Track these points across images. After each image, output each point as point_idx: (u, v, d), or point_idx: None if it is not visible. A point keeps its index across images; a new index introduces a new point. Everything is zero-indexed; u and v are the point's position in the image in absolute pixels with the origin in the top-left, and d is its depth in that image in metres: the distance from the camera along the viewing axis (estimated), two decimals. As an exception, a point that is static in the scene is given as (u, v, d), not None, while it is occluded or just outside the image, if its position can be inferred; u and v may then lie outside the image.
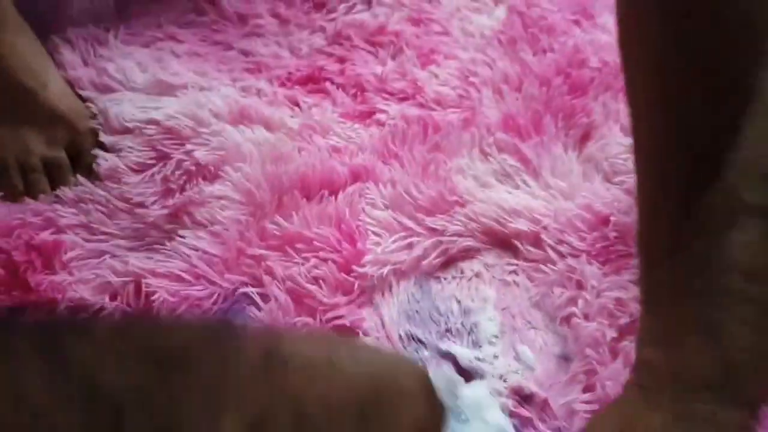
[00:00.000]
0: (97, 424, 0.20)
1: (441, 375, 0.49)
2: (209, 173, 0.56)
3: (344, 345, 0.32)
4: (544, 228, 0.55)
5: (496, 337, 0.51)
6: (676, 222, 0.28)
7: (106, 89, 0.62)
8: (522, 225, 0.55)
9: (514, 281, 0.55)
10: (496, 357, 0.50)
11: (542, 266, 0.54)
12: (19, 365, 0.20)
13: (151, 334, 0.24)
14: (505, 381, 0.48)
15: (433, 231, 0.55)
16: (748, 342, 0.27)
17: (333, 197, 0.55)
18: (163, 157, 0.57)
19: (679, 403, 0.28)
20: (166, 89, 0.62)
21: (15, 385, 0.19)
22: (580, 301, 0.51)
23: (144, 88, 0.63)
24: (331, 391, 0.27)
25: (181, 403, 0.23)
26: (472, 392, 0.48)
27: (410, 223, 0.55)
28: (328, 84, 0.62)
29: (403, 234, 0.55)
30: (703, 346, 0.27)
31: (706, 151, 0.27)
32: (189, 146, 0.57)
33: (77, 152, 0.59)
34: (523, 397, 0.47)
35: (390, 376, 0.30)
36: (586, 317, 0.50)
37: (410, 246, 0.54)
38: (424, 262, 0.54)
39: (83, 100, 0.61)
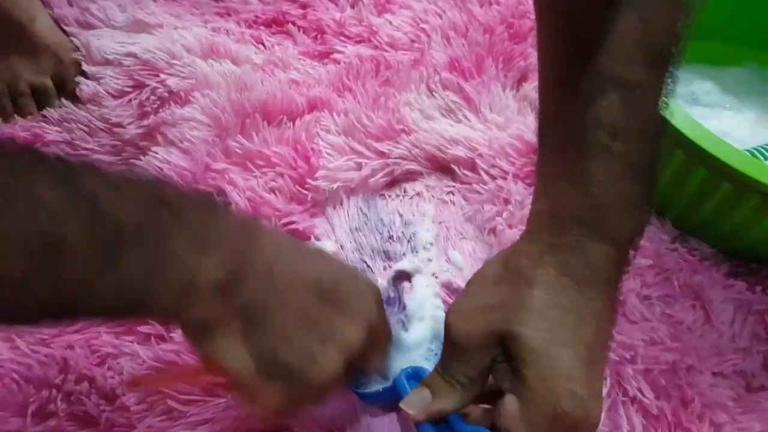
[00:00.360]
0: (100, 237, 0.26)
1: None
2: (180, 99, 0.62)
3: (311, 245, 0.38)
4: (480, 155, 0.62)
5: (431, 244, 0.58)
6: (561, 97, 0.34)
7: (89, 26, 0.68)
8: (460, 152, 0.62)
9: (451, 200, 0.61)
10: (430, 260, 0.56)
11: (476, 186, 0.61)
12: (38, 182, 0.25)
13: (152, 183, 0.30)
14: (437, 277, 0.55)
15: (380, 154, 0.61)
16: (610, 188, 0.32)
17: (291, 123, 0.61)
18: (139, 85, 0.63)
19: (553, 236, 0.33)
20: (143, 27, 0.68)
21: (34, 194, 0.24)
22: (505, 213, 0.58)
23: (123, 26, 0.69)
24: (297, 270, 0.34)
25: (172, 238, 0.28)
26: (413, 296, 0.54)
27: (360, 148, 0.62)
28: (290, 26, 0.68)
29: (353, 156, 0.61)
30: (574, 192, 0.32)
31: (585, 38, 0.33)
32: (163, 76, 0.63)
33: (61, 80, 0.65)
34: (452, 290, 0.54)
35: (349, 277, 0.37)
36: (510, 226, 0.57)
37: (360, 166, 0.61)
38: (371, 180, 0.60)
39: (67, 35, 0.67)
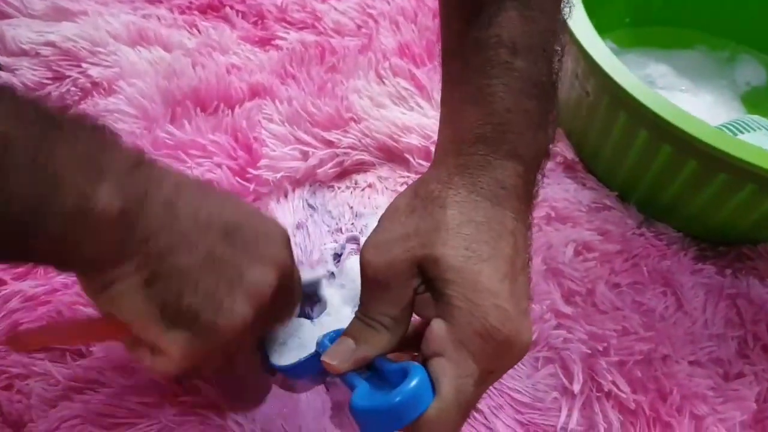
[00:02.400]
0: None
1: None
2: (104, 89, 0.56)
3: (216, 188, 0.35)
4: (434, 143, 0.58)
5: (386, 236, 0.53)
6: (462, 20, 0.33)
7: (3, 15, 0.62)
8: (414, 140, 0.58)
9: (406, 191, 0.57)
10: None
11: (432, 175, 0.57)
12: None
13: (37, 101, 0.26)
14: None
15: (328, 143, 0.57)
16: (511, 104, 0.31)
17: (230, 111, 0.56)
18: (59, 77, 0.57)
19: (460, 157, 0.32)
20: (65, 15, 0.62)
21: None
22: (464, 201, 0.54)
23: (42, 14, 0.62)
24: (201, 208, 0.31)
25: (62, 159, 0.25)
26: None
27: (306, 137, 0.57)
28: (228, 10, 0.64)
29: (299, 146, 0.56)
30: (476, 112, 0.31)
31: None
32: (85, 65, 0.58)
33: (-30, 72, 0.58)
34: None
35: (257, 219, 0.34)
36: (469, 214, 0.53)
37: (305, 156, 0.56)
38: (320, 171, 0.56)
39: (-23, 24, 0.61)
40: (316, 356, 0.38)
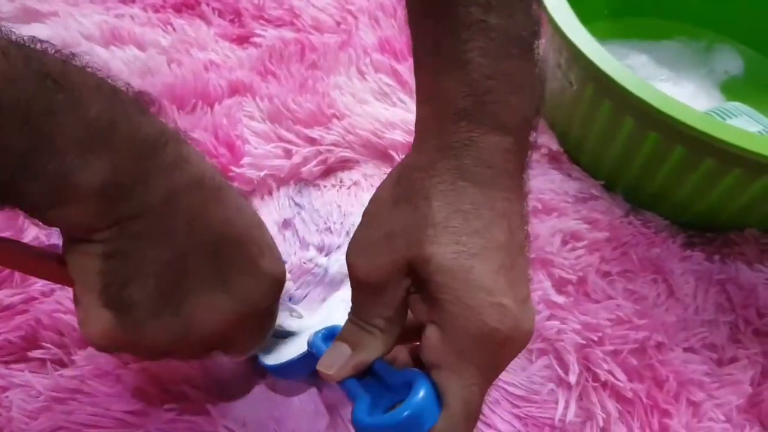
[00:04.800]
0: None
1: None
2: (78, 90, 0.54)
3: (243, 200, 0.32)
4: (419, 137, 0.57)
5: (374, 233, 0.52)
6: None
7: (-32, 18, 0.60)
8: (398, 136, 0.57)
9: (392, 187, 0.56)
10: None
11: (418, 170, 0.56)
12: None
13: (56, 60, 0.24)
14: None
15: (311, 141, 0.56)
16: (492, 69, 0.28)
17: (209, 108, 0.55)
18: (29, 78, 0.55)
19: (441, 138, 0.29)
20: (34, 16, 0.60)
21: None
22: (452, 195, 0.53)
23: (11, 16, 0.60)
24: (208, 211, 0.28)
25: (59, 127, 0.24)
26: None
27: (289, 135, 0.56)
28: (204, 7, 0.62)
29: (281, 144, 0.55)
30: (454, 84, 0.28)
31: None
32: (57, 66, 0.56)
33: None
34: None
35: (263, 249, 0.31)
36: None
37: (289, 154, 0.55)
38: (304, 169, 0.54)
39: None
40: (308, 356, 0.36)
